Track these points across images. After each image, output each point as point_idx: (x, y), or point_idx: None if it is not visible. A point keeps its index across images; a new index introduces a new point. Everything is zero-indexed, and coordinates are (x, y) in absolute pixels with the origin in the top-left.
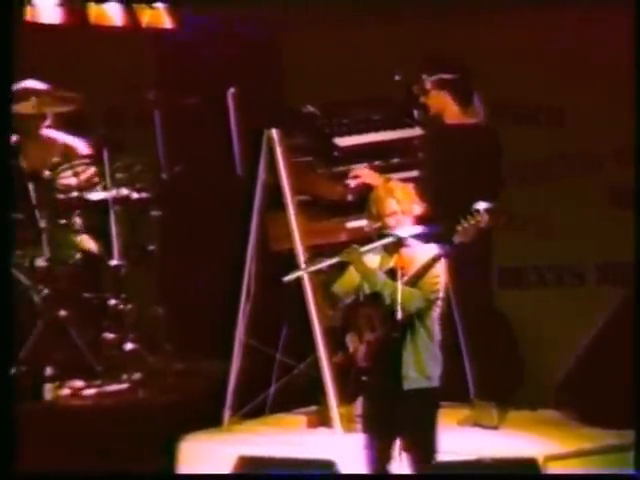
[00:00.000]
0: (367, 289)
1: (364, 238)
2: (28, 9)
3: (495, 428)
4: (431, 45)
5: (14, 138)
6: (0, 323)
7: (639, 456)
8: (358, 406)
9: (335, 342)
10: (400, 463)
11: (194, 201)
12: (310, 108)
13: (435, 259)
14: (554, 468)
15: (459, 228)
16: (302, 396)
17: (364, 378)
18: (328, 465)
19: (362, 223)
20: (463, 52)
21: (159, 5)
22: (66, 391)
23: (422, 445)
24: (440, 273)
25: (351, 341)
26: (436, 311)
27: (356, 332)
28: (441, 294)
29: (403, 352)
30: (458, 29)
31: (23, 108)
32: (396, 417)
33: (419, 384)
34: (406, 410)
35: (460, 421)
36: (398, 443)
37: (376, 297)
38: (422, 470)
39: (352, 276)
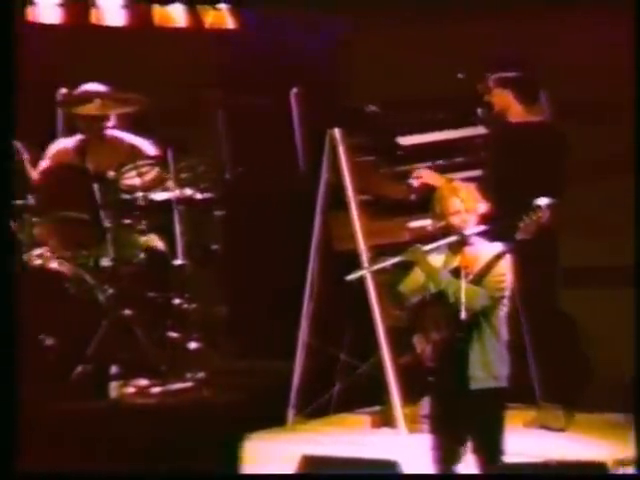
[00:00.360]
0: (433, 288)
1: (426, 238)
2: (93, 11)
3: (562, 430)
4: (495, 43)
5: (80, 138)
6: (1, 322)
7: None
8: (423, 406)
9: (401, 342)
10: (467, 464)
11: (257, 201)
12: (373, 107)
13: (498, 256)
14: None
15: (521, 225)
16: (366, 396)
17: (431, 379)
18: (391, 465)
19: (425, 223)
20: (528, 50)
21: (222, 6)
22: (131, 389)
23: (489, 446)
24: (506, 271)
25: (418, 342)
26: (503, 310)
27: (423, 332)
28: (507, 293)
29: (469, 352)
30: (522, 27)
31: (87, 110)
32: (463, 418)
33: (486, 384)
34: (473, 410)
35: (526, 423)
36: (465, 444)
37: (441, 296)
38: (489, 471)
39: (417, 276)
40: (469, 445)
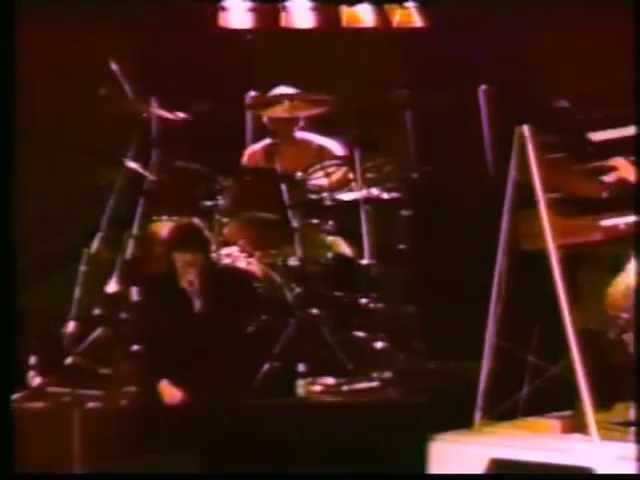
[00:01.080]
0: None
1: (619, 237)
2: (282, 15)
3: None
4: None
5: (269, 140)
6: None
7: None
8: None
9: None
10: None
11: (445, 200)
12: (563, 103)
13: None
14: None
15: None
16: (556, 400)
17: None
18: (584, 472)
19: (617, 221)
20: None
21: (410, 4)
22: (318, 388)
23: None
24: None
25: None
26: None
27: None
28: None
29: None
30: None
31: (276, 112)
32: None
33: None
34: None
35: None
36: None
37: None
38: None
39: (628, 276)
40: None
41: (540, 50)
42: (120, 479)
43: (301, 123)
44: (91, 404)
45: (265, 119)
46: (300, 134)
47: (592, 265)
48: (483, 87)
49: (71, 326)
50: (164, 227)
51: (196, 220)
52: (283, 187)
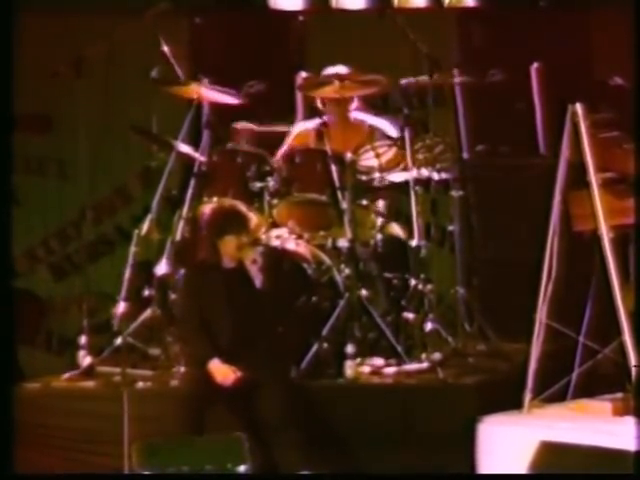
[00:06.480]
0: None
1: None
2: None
3: None
4: None
5: (319, 120)
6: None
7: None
8: None
9: None
10: None
11: (495, 181)
12: (618, 80)
13: None
14: None
15: None
16: (608, 382)
17: None
18: (632, 455)
19: None
20: None
21: None
22: (366, 369)
23: None
24: None
25: None
26: None
27: None
28: None
29: None
30: None
31: (327, 93)
32: None
33: None
34: None
35: None
36: None
37: None
38: None
39: None
40: None
41: (593, 27)
42: (121, 479)
43: (355, 103)
44: (141, 384)
45: (318, 100)
46: (354, 114)
47: None
48: (535, 65)
49: (121, 307)
50: (207, 208)
51: (238, 202)
52: (333, 168)
